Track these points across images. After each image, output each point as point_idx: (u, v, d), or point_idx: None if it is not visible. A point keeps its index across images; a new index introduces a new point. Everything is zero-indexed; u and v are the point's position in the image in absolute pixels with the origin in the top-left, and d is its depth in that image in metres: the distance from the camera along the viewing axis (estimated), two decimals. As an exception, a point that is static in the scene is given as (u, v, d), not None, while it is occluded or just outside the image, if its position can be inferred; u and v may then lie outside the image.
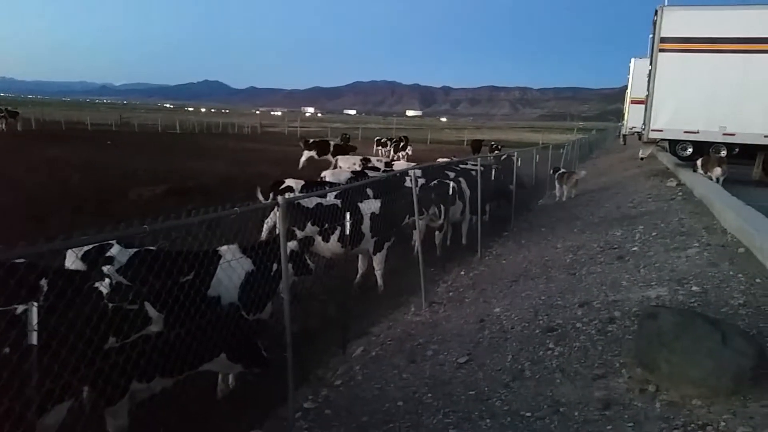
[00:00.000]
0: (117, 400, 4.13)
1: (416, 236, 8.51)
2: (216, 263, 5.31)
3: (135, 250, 5.50)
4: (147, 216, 3.61)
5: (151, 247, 5.51)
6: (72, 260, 5.34)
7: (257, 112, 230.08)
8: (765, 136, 15.28)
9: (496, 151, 28.81)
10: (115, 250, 5.47)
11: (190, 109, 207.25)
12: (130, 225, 3.54)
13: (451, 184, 10.85)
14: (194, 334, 4.37)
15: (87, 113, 74.36)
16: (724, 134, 15.71)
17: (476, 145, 38.65)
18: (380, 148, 37.58)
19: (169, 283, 4.44)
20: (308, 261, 6.33)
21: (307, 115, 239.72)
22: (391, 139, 39.20)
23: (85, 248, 5.31)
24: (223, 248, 5.55)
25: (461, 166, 14.67)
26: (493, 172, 14.07)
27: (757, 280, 6.04)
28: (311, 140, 28.07)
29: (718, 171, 14.04)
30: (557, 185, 17.05)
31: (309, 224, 8.08)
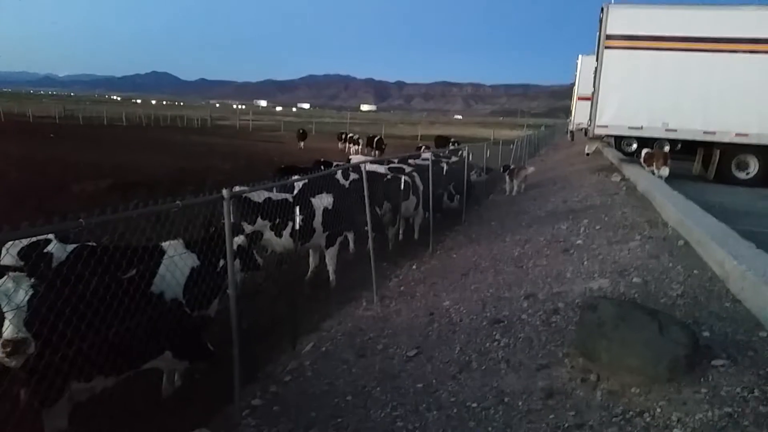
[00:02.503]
0: (54, 400, 3.97)
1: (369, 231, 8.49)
2: (159, 259, 5.16)
3: (74, 245, 5.30)
4: (90, 211, 3.47)
5: (91, 243, 5.32)
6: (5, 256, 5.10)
7: (217, 105, 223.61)
8: (705, 132, 15.85)
9: (452, 146, 28.94)
10: (52, 245, 5.27)
11: (138, 101, 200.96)
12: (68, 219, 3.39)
13: (403, 178, 10.88)
14: (136, 331, 4.24)
15: (28, 105, 71.44)
16: (667, 130, 16.19)
17: (441, 142, 38.62)
18: (351, 145, 35.91)
19: (106, 279, 4.28)
20: (256, 256, 6.24)
21: (278, 109, 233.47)
22: (374, 138, 36.32)
23: (21, 244, 5.08)
24: (166, 243, 5.41)
25: (415, 161, 14.73)
26: (445, 167, 14.25)
27: (695, 272, 6.27)
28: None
29: (662, 168, 14.52)
30: (507, 180, 17.39)
31: (259, 218, 7.96)
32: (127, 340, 4.16)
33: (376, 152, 32.82)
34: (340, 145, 37.96)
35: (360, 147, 35.28)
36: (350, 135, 37.82)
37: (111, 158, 22.43)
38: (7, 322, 3.43)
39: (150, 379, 5.16)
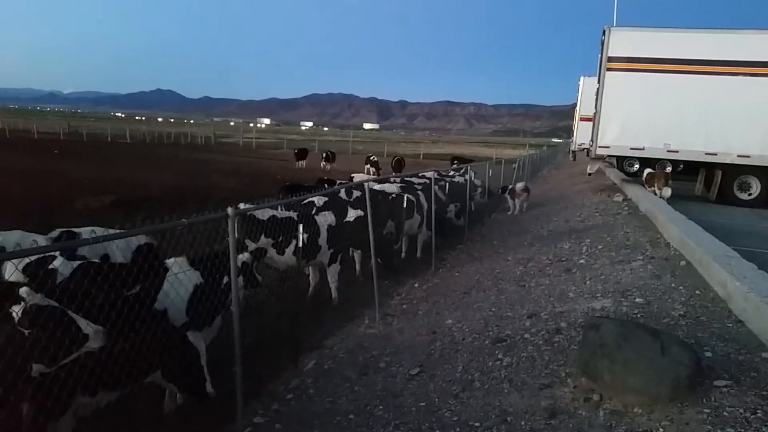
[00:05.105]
0: (60, 415, 3.96)
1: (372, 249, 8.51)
2: (162, 276, 5.18)
3: (79, 262, 5.33)
4: (93, 227, 3.51)
5: (95, 260, 5.35)
6: (12, 272, 5.12)
7: (231, 123, 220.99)
8: (706, 153, 15.91)
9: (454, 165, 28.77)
10: (57, 262, 5.30)
11: (143, 118, 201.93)
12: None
13: (406, 196, 10.92)
14: (140, 347, 4.24)
15: (33, 121, 72.03)
16: (669, 151, 16.24)
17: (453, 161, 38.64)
18: (371, 167, 32.56)
19: (112, 296, 4.31)
20: (256, 274, 6.25)
21: (303, 128, 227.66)
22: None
23: (27, 260, 5.11)
24: (170, 261, 5.43)
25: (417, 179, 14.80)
26: (447, 187, 14.33)
27: (697, 292, 6.28)
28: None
29: (663, 188, 14.55)
30: (509, 199, 17.44)
31: (262, 236, 7.99)
32: (131, 355, 4.17)
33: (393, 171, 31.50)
34: (323, 164, 36.49)
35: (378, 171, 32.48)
36: (369, 156, 35.81)
37: (115, 174, 22.54)
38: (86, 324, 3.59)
39: (152, 395, 5.15)
